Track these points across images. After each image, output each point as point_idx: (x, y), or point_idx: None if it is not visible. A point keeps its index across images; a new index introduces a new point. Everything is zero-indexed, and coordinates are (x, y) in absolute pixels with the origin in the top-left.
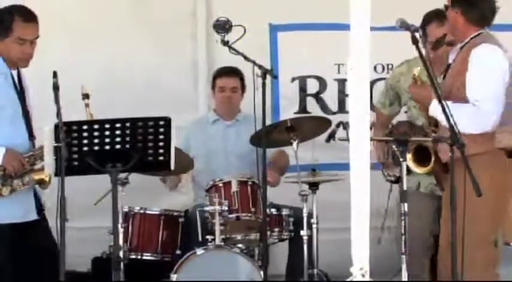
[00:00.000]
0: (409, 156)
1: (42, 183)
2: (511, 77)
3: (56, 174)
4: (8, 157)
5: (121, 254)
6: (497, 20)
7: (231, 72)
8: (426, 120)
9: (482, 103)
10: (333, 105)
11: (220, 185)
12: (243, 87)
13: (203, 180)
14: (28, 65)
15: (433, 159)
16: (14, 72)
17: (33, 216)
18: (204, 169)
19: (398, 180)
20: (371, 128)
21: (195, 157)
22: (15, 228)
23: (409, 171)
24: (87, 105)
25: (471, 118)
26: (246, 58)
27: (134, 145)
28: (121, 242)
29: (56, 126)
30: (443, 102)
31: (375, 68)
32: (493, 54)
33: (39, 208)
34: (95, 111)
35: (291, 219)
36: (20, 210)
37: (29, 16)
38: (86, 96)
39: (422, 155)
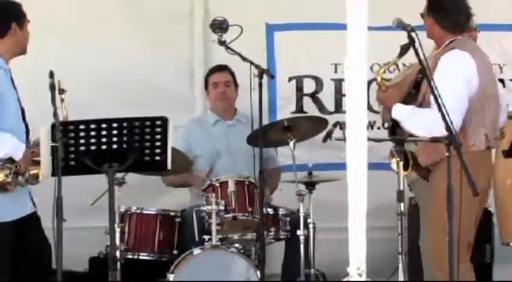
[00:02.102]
0: (393, 160)
1: (35, 178)
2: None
3: (53, 174)
4: (26, 155)
5: (118, 254)
6: (498, 20)
7: (222, 68)
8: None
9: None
10: (330, 105)
11: (217, 184)
12: (235, 83)
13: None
14: None
15: (411, 163)
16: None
17: (31, 208)
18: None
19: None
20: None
21: (198, 158)
22: (17, 224)
23: None
24: (62, 100)
25: (423, 122)
26: (242, 58)
27: (131, 145)
28: (118, 241)
29: (53, 126)
30: (441, 102)
31: (371, 67)
32: (457, 60)
33: (33, 200)
34: (92, 111)
35: (288, 219)
36: (21, 204)
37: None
38: (61, 91)
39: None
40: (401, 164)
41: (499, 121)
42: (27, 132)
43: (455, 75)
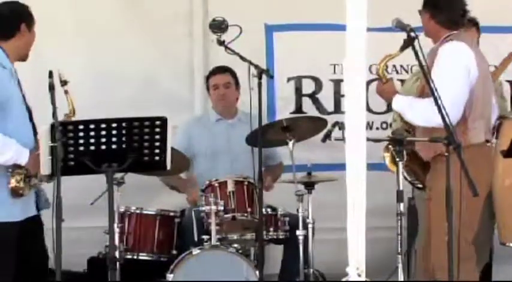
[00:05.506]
0: (387, 154)
1: (49, 177)
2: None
3: (52, 174)
4: (32, 159)
5: (117, 254)
6: (493, 21)
7: (222, 69)
8: (400, 120)
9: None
10: (329, 105)
11: (216, 184)
12: (236, 83)
13: (207, 179)
14: None
15: (405, 159)
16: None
17: (33, 211)
18: (209, 168)
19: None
20: None
21: (198, 156)
22: (22, 225)
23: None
24: (66, 91)
25: (422, 111)
26: (242, 58)
27: (130, 145)
28: (117, 242)
29: (52, 126)
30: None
31: (370, 68)
32: (455, 50)
33: (37, 205)
34: (91, 111)
35: (287, 219)
36: (28, 204)
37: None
38: (64, 82)
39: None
40: (401, 164)
41: (491, 120)
42: (35, 133)
43: (455, 65)
